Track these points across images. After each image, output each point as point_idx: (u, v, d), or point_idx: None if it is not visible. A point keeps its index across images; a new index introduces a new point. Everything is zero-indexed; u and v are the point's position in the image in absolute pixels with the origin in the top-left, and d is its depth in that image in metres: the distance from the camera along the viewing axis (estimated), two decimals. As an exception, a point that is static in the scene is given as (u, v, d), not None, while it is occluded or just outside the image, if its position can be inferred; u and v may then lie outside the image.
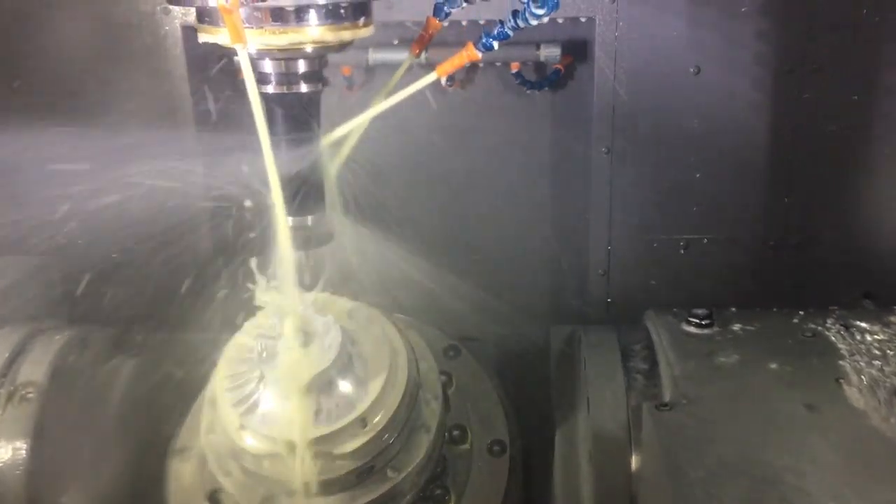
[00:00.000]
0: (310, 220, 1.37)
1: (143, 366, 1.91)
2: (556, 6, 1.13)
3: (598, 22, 2.03)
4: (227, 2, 1.09)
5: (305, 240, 1.39)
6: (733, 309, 1.44)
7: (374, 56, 2.11)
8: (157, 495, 1.70)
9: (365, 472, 1.50)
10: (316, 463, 1.45)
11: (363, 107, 1.38)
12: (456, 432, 1.72)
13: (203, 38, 1.25)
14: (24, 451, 1.58)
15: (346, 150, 1.44)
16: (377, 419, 1.48)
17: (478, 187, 2.25)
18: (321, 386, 1.46)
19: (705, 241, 2.14)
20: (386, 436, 1.50)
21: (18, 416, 1.59)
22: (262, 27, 1.17)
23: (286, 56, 1.25)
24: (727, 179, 2.10)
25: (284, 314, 1.49)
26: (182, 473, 1.70)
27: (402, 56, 2.07)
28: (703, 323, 1.40)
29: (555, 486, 1.58)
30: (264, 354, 1.47)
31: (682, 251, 2.15)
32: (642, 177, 2.12)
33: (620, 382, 1.41)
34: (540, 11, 1.12)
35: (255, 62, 1.25)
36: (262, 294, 1.50)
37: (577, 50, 2.15)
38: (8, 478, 1.57)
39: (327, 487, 1.48)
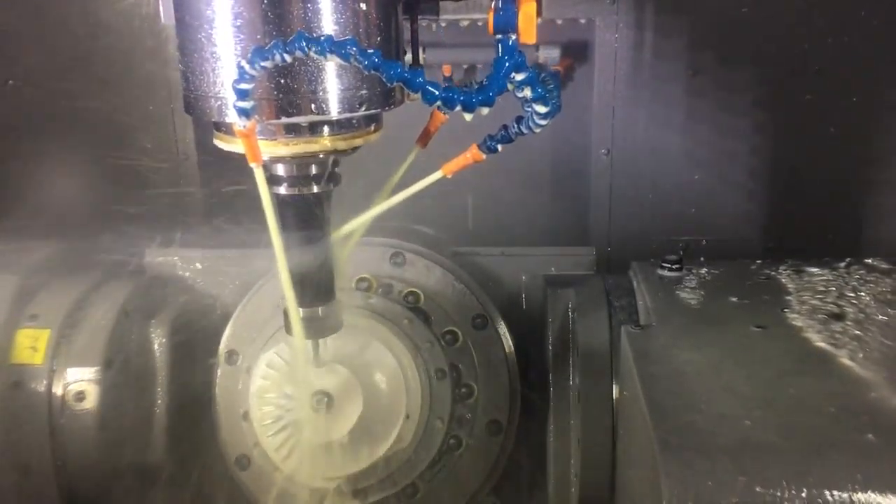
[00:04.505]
0: (321, 311, 1.43)
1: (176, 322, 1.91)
2: (557, 111, 1.22)
3: (597, 23, 2.03)
4: (243, 126, 1.10)
5: (317, 330, 1.46)
6: (702, 259, 1.68)
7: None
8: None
9: (425, 436, 1.78)
10: (389, 463, 1.72)
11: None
12: (448, 336, 1.87)
13: (219, 144, 1.28)
14: (90, 449, 1.66)
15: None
16: (412, 409, 1.71)
17: (475, 189, 2.25)
18: (363, 423, 1.63)
19: (704, 242, 2.14)
20: (426, 413, 1.76)
21: (76, 421, 1.66)
22: (275, 139, 1.21)
23: (298, 161, 1.29)
24: (726, 181, 2.11)
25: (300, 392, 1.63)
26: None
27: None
28: (673, 267, 1.61)
29: (551, 412, 1.75)
30: (298, 425, 1.63)
31: (681, 252, 2.15)
32: (642, 178, 2.13)
33: (604, 315, 1.63)
34: (543, 122, 1.22)
35: (267, 166, 1.28)
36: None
37: (577, 51, 2.15)
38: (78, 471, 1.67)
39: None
